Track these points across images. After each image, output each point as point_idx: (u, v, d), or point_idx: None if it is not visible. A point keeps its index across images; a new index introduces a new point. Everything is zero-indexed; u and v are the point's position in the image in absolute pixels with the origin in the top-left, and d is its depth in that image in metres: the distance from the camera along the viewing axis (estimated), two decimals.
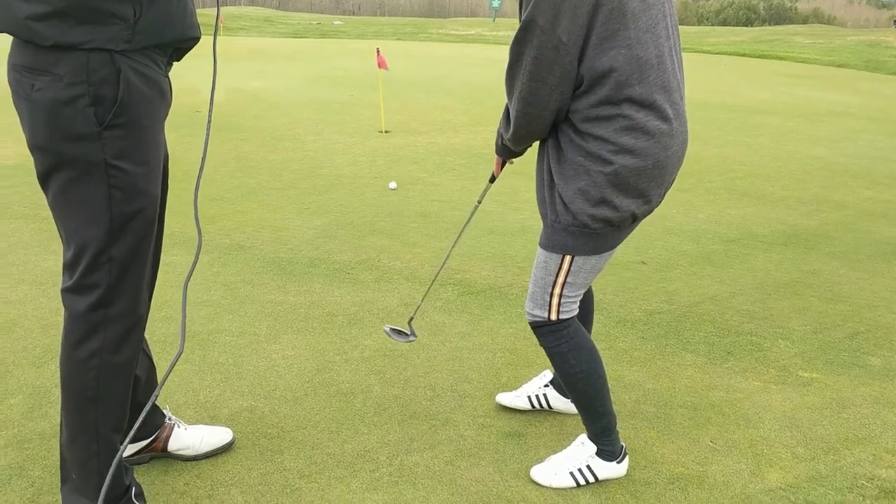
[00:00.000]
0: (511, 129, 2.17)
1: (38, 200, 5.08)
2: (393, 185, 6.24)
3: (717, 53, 23.70)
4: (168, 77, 1.97)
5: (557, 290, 2.23)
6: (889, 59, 23.25)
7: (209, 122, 1.91)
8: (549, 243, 2.20)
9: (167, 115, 2.00)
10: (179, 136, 7.48)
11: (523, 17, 1.97)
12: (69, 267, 1.90)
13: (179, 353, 1.84)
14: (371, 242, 4.71)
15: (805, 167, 7.46)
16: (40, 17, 1.68)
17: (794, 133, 9.51)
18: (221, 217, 5.11)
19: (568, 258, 2.18)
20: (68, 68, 1.72)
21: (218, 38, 2.01)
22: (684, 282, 4.21)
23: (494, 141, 2.39)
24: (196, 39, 1.99)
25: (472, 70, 17.20)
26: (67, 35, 1.70)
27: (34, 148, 1.84)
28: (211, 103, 1.96)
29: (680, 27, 2.24)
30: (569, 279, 2.21)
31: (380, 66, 8.64)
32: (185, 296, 1.90)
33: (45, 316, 3.44)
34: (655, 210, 2.23)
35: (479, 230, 4.96)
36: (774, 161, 7.71)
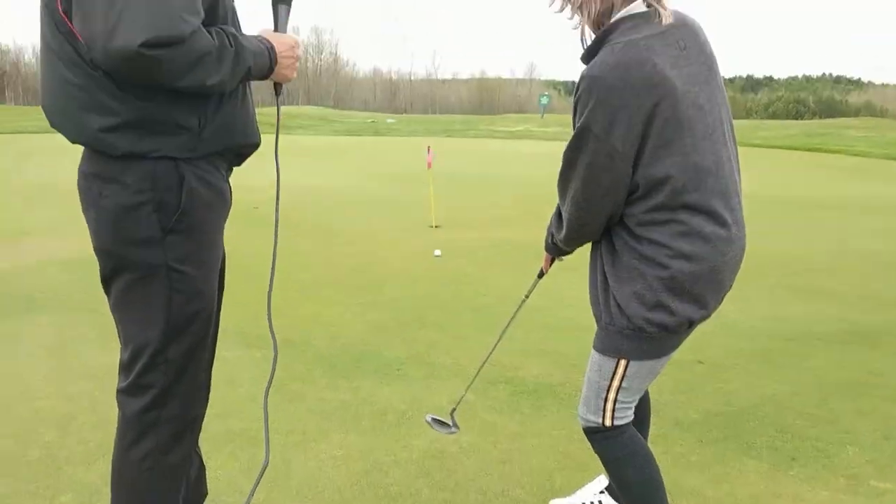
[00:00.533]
0: (563, 231, 2.17)
1: (99, 294, 5.22)
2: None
3: (768, 147, 23.64)
4: (228, 182, 2.04)
5: (612, 395, 2.18)
6: None
7: (276, 226, 1.98)
8: (603, 346, 2.16)
9: (227, 217, 2.06)
10: (236, 231, 7.65)
11: (577, 124, 1.98)
12: (125, 368, 1.94)
13: (265, 466, 1.87)
14: (421, 336, 4.70)
15: (865, 262, 7.28)
16: (111, 129, 1.77)
17: (852, 227, 9.34)
18: (274, 312, 5.15)
19: (623, 362, 2.13)
20: (135, 177, 1.80)
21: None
22: (742, 381, 4.08)
23: (544, 238, 2.39)
24: (256, 145, 2.06)
25: (521, 165, 17.45)
26: (137, 145, 1.78)
27: (99, 251, 1.90)
28: (277, 207, 2.03)
29: None
30: (624, 384, 2.16)
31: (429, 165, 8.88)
32: (266, 406, 1.93)
33: (101, 411, 3.48)
34: None
35: (530, 326, 4.92)
36: (832, 256, 7.55)
